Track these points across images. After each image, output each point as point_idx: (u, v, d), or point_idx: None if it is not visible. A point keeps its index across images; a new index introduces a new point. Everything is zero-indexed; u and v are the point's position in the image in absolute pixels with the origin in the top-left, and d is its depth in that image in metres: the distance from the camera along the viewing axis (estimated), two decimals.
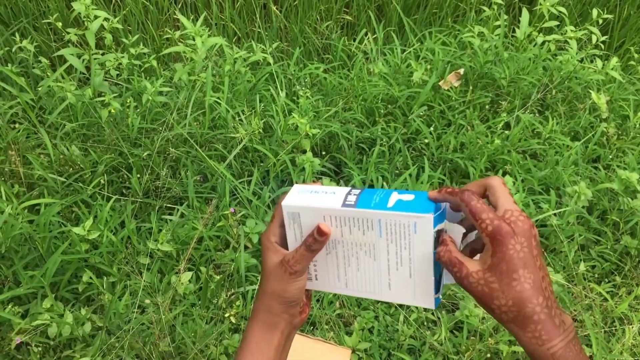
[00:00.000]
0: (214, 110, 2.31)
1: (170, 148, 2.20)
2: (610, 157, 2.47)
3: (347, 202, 0.65)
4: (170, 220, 2.04)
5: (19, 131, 2.26)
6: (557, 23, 2.66)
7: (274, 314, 0.71)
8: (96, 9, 2.16)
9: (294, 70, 2.74)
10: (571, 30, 2.65)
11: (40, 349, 1.68)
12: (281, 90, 2.44)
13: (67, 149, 2.19)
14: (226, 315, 1.79)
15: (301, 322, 0.74)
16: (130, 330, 1.68)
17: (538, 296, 0.57)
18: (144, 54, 2.64)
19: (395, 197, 0.64)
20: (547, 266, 2.00)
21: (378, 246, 0.65)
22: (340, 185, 2.19)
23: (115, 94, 2.30)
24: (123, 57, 2.39)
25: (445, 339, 1.76)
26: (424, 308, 1.90)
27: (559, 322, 0.58)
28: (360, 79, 2.57)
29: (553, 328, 0.57)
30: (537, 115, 2.61)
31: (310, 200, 0.67)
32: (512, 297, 0.57)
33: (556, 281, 1.86)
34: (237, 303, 1.82)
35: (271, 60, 2.48)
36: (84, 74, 2.52)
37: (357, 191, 0.67)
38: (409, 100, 2.55)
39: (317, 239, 0.66)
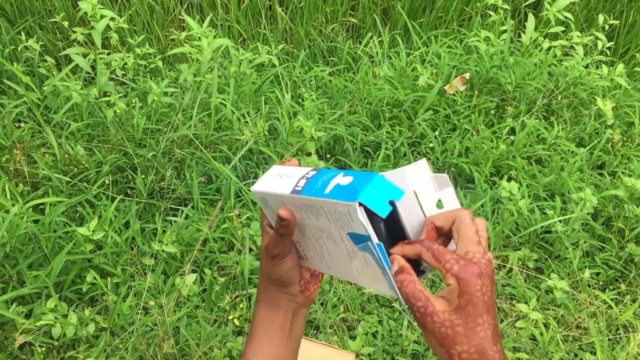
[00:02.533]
0: (219, 111, 2.31)
1: (176, 149, 2.20)
2: (616, 163, 2.46)
3: (295, 188, 0.62)
4: (175, 221, 2.04)
5: (24, 130, 2.26)
6: (563, 28, 2.66)
7: (271, 294, 0.72)
8: (102, 8, 2.16)
9: (300, 73, 2.73)
10: (577, 36, 2.64)
11: (43, 349, 1.68)
12: (286, 92, 2.44)
13: (72, 148, 2.18)
14: (230, 317, 1.79)
15: (307, 301, 0.73)
16: (134, 331, 1.68)
17: (496, 342, 0.54)
18: (150, 54, 2.63)
19: (335, 181, 0.59)
20: (552, 272, 2.00)
21: (333, 231, 0.61)
22: None
23: (120, 94, 2.30)
24: (129, 57, 2.39)
25: None
26: None
27: None
28: (366, 82, 2.56)
29: None
30: (542, 120, 2.60)
31: (273, 186, 0.65)
32: (475, 343, 0.54)
33: (561, 288, 1.86)
34: (241, 306, 1.81)
35: (276, 62, 2.48)
36: (89, 73, 2.52)
37: (311, 174, 0.63)
38: (414, 104, 2.54)
39: (281, 224, 0.65)
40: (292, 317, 0.73)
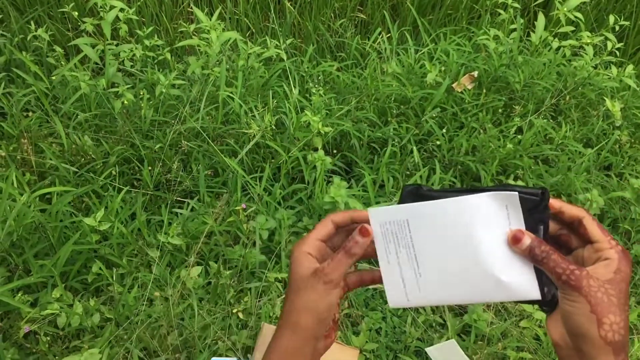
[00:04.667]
0: (227, 105, 2.31)
1: (183, 141, 2.20)
2: (623, 165, 2.45)
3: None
4: (181, 213, 2.04)
5: (32, 119, 2.26)
6: (572, 28, 2.64)
7: (304, 337, 0.64)
8: None
9: (307, 68, 2.73)
10: (587, 36, 2.63)
11: (48, 338, 1.68)
12: (294, 87, 2.44)
13: (80, 138, 2.19)
14: (234, 311, 1.79)
15: (325, 349, 0.67)
16: (139, 322, 1.68)
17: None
18: (158, 46, 2.63)
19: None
20: None
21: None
22: (351, 184, 2.19)
23: (128, 86, 2.30)
24: (137, 48, 2.39)
25: None
26: (432, 310, 1.90)
27: None
28: (374, 79, 2.56)
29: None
30: (550, 120, 2.59)
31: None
32: (626, 319, 0.54)
33: None
34: (246, 299, 1.82)
35: (284, 57, 2.48)
36: (98, 64, 2.52)
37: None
38: (422, 101, 2.54)
39: (357, 240, 0.62)
40: None
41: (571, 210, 0.60)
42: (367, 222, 0.65)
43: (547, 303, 0.59)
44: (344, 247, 0.63)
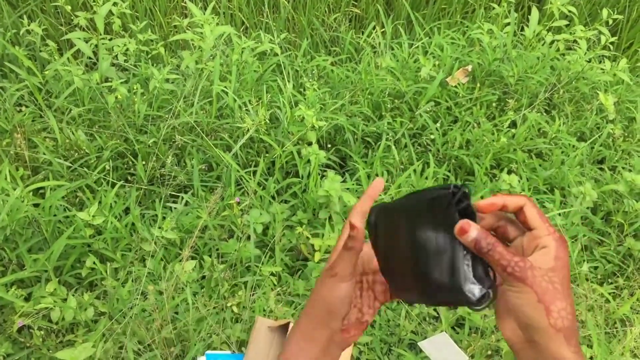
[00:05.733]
0: (221, 99, 2.31)
1: (177, 136, 2.20)
2: (616, 158, 2.46)
3: None
4: (175, 208, 2.04)
5: (25, 114, 2.25)
6: (566, 22, 2.65)
7: (314, 323, 0.68)
8: None
9: (302, 62, 2.73)
10: (580, 30, 2.64)
11: (42, 332, 1.68)
12: (288, 81, 2.43)
13: (73, 133, 2.18)
14: (228, 304, 1.80)
15: (345, 342, 0.69)
16: (133, 316, 1.68)
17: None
18: (152, 40, 2.63)
19: None
20: None
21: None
22: (345, 178, 2.19)
23: (122, 80, 2.29)
24: (131, 43, 2.38)
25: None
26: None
27: None
28: (368, 73, 2.56)
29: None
30: (543, 114, 2.60)
31: None
32: (571, 304, 0.55)
33: None
34: (240, 293, 1.82)
35: (279, 51, 2.47)
36: (91, 58, 2.51)
37: None
38: (416, 95, 2.54)
39: (350, 235, 0.63)
40: (324, 356, 0.68)
41: (514, 201, 0.59)
42: (377, 191, 0.68)
43: (477, 303, 0.56)
44: (344, 242, 0.65)
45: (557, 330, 0.54)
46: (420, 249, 0.60)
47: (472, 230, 0.56)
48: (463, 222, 0.56)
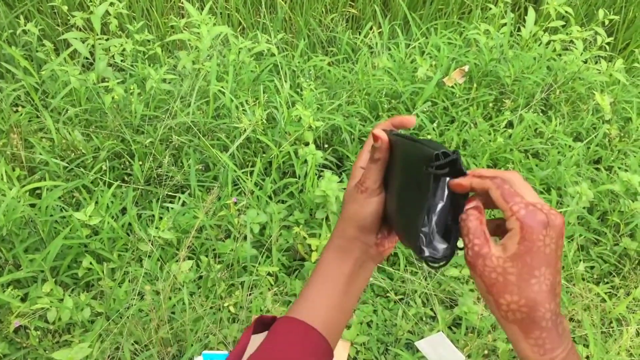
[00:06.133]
0: (218, 99, 2.31)
1: (173, 136, 2.20)
2: (612, 158, 2.47)
3: None
4: (172, 208, 2.04)
5: (21, 114, 2.25)
6: (562, 23, 2.65)
7: (348, 239, 0.69)
8: None
9: (299, 62, 2.73)
10: (577, 31, 2.64)
11: (39, 332, 1.68)
12: (285, 81, 2.44)
13: (70, 133, 2.18)
14: (225, 304, 1.80)
15: (379, 256, 0.70)
16: (129, 316, 1.68)
17: (551, 301, 0.50)
18: (149, 40, 2.62)
19: None
20: None
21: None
22: (342, 178, 2.19)
23: (118, 80, 2.29)
24: (127, 43, 2.38)
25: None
26: (422, 303, 1.91)
27: (562, 330, 0.52)
28: (365, 73, 2.56)
29: (557, 337, 0.51)
30: (540, 114, 2.61)
31: None
32: (527, 296, 0.50)
33: None
34: (237, 293, 1.82)
35: (275, 51, 2.47)
36: (87, 58, 2.51)
37: None
38: (413, 95, 2.54)
39: (375, 146, 0.64)
40: (359, 270, 0.70)
41: (480, 184, 0.54)
42: (404, 125, 0.68)
43: (429, 260, 0.57)
44: (370, 155, 0.66)
45: (509, 322, 0.52)
46: (403, 196, 0.62)
47: (470, 203, 0.55)
48: (463, 180, 0.55)
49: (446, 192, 0.57)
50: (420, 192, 0.57)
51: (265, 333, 0.69)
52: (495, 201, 0.53)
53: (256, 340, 0.69)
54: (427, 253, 0.56)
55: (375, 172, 0.65)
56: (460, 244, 0.57)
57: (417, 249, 0.56)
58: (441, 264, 0.56)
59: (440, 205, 0.56)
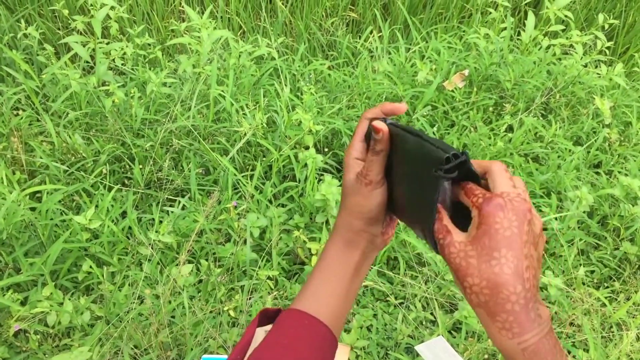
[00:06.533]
0: (218, 103, 2.31)
1: (174, 140, 2.20)
2: (612, 163, 2.47)
3: None
4: (172, 212, 2.04)
5: (22, 118, 2.25)
6: (562, 27, 2.66)
7: (354, 231, 0.69)
8: None
9: (299, 66, 2.73)
10: (577, 35, 2.65)
11: (38, 336, 1.68)
12: (285, 85, 2.44)
13: (70, 137, 2.18)
14: (225, 308, 1.79)
15: (383, 244, 0.71)
16: (129, 320, 1.68)
17: (516, 284, 0.50)
18: (149, 44, 2.63)
19: None
20: (547, 269, 2.01)
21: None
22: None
23: (119, 84, 2.29)
24: (128, 46, 2.38)
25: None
26: (422, 307, 1.91)
27: (535, 316, 0.51)
28: (365, 77, 2.56)
29: (526, 321, 0.50)
30: (540, 118, 2.61)
31: None
32: (487, 278, 0.50)
33: (555, 285, 1.87)
34: (237, 297, 1.82)
35: (276, 55, 2.48)
36: (88, 62, 2.51)
37: None
38: (413, 99, 2.55)
39: (376, 138, 0.64)
40: (365, 261, 0.71)
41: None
42: (394, 112, 0.68)
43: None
44: (370, 147, 0.66)
45: (475, 306, 0.52)
46: (409, 188, 0.62)
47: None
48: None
49: (448, 192, 0.58)
50: (428, 191, 0.58)
51: (270, 326, 0.69)
52: (463, 201, 0.55)
53: (261, 333, 0.69)
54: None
55: (377, 165, 0.65)
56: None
57: (433, 245, 0.58)
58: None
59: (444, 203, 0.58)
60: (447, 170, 0.55)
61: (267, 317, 0.70)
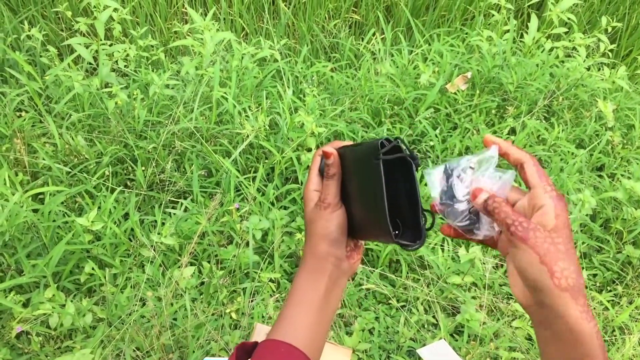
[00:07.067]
0: (221, 105, 2.31)
1: (176, 141, 2.20)
2: (615, 166, 2.47)
3: None
4: (174, 214, 2.04)
5: (25, 119, 2.26)
6: (565, 30, 2.65)
7: (319, 257, 0.72)
8: None
9: (301, 68, 2.73)
10: (580, 38, 2.64)
11: (40, 338, 1.68)
12: (288, 87, 2.44)
13: (73, 138, 2.18)
14: (227, 311, 1.79)
15: (350, 269, 0.74)
16: (131, 322, 1.68)
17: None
18: (152, 46, 2.63)
19: None
20: None
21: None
22: None
23: (122, 86, 2.29)
24: (131, 48, 2.38)
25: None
26: (424, 310, 1.91)
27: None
28: (367, 79, 2.56)
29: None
30: (543, 121, 2.61)
31: None
32: (575, 263, 0.55)
33: None
34: (239, 299, 1.82)
35: (278, 57, 2.48)
36: (91, 64, 2.51)
37: None
38: (416, 102, 2.54)
39: (328, 163, 0.70)
40: (333, 287, 0.73)
41: (515, 154, 0.62)
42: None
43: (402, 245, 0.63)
44: (324, 174, 0.72)
45: (561, 290, 0.55)
46: (364, 197, 0.67)
47: (481, 195, 0.61)
48: (475, 189, 0.61)
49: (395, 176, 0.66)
50: (376, 184, 0.63)
51: None
52: (529, 175, 0.60)
53: None
54: (402, 239, 0.64)
55: (333, 187, 0.71)
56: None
57: (390, 235, 0.62)
58: (415, 247, 0.63)
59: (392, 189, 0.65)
60: (385, 153, 0.62)
61: (244, 351, 0.72)
